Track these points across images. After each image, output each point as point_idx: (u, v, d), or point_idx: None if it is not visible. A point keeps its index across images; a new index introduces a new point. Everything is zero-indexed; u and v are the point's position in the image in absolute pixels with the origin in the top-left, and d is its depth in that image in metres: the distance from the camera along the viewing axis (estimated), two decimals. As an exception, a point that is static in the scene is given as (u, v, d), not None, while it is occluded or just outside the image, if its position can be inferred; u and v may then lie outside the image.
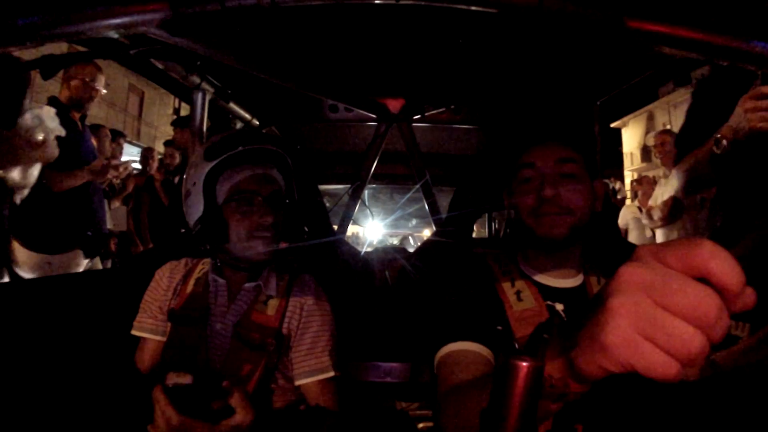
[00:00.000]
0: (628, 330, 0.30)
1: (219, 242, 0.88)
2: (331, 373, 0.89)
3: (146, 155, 3.40)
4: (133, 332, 0.94)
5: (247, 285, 0.91)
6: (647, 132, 15.40)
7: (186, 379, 0.69)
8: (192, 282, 0.95)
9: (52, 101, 1.98)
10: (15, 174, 1.77)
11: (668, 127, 16.70)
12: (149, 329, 0.94)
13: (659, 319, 0.29)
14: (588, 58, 1.11)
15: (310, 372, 0.88)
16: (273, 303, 0.90)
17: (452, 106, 1.56)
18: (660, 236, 2.91)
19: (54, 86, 2.08)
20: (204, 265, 0.97)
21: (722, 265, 0.28)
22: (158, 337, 0.93)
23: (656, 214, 2.77)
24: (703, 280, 0.29)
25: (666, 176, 2.95)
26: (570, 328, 0.36)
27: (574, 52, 1.07)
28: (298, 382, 0.88)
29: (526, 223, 0.79)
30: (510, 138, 0.88)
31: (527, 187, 0.79)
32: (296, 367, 0.89)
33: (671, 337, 0.28)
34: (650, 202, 2.99)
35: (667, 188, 2.86)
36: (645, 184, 3.64)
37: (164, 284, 0.96)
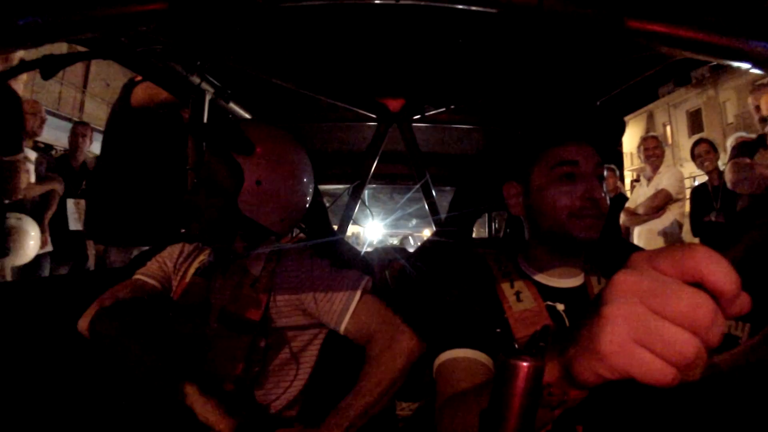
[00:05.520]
0: (624, 338, 0.29)
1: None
2: (358, 293, 0.88)
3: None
4: (136, 276, 0.96)
5: (233, 265, 0.93)
6: (647, 132, 15.42)
7: None
8: (192, 271, 0.96)
9: None
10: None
11: (668, 126, 16.73)
12: (149, 275, 0.96)
13: (654, 325, 0.29)
14: (587, 58, 1.11)
15: (342, 312, 0.86)
16: (260, 286, 0.90)
17: (452, 106, 1.56)
18: (636, 236, 2.97)
19: (54, 87, 2.09)
20: (204, 256, 0.98)
21: (716, 269, 0.28)
22: (154, 282, 0.95)
23: (644, 205, 2.86)
24: (699, 285, 0.29)
25: (647, 177, 3.02)
26: (566, 336, 0.36)
27: (573, 51, 1.07)
28: (342, 331, 0.87)
29: (564, 224, 0.75)
30: (537, 130, 0.84)
31: (570, 186, 0.75)
32: (327, 317, 0.87)
33: (667, 344, 0.28)
34: (628, 204, 3.05)
35: (650, 189, 2.94)
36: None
37: (176, 251, 1.00)
